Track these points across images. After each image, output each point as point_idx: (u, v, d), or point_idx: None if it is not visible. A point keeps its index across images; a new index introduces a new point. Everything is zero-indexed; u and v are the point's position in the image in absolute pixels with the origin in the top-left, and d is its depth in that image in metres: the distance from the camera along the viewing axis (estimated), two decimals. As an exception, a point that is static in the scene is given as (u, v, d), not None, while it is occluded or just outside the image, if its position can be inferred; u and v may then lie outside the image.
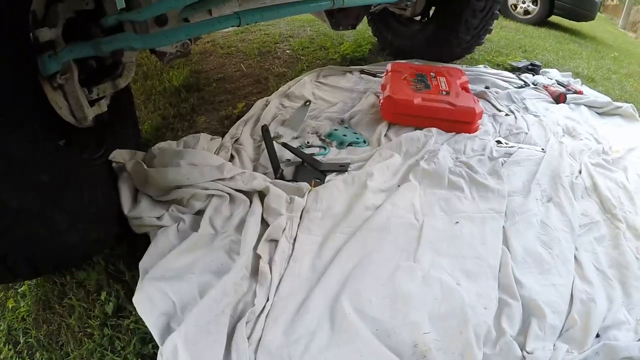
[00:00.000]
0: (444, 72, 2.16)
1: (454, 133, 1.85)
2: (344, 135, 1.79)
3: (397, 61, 2.52)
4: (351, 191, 1.42)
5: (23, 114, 0.97)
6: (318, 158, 1.63)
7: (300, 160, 1.59)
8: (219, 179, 1.36)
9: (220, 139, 1.75)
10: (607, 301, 1.11)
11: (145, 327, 1.00)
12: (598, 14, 6.36)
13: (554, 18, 5.53)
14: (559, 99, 2.33)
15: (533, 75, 2.77)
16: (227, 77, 2.66)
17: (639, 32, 9.35)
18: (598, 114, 2.30)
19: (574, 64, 3.47)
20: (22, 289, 1.26)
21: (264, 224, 1.27)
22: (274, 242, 1.22)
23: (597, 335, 1.02)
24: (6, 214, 0.92)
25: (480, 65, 2.86)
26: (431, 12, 2.72)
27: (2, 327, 1.18)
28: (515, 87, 2.48)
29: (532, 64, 2.93)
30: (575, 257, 1.24)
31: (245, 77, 2.65)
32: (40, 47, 1.08)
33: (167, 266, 1.12)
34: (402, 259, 1.17)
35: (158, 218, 1.27)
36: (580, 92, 2.48)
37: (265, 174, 1.50)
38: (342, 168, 1.57)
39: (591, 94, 2.53)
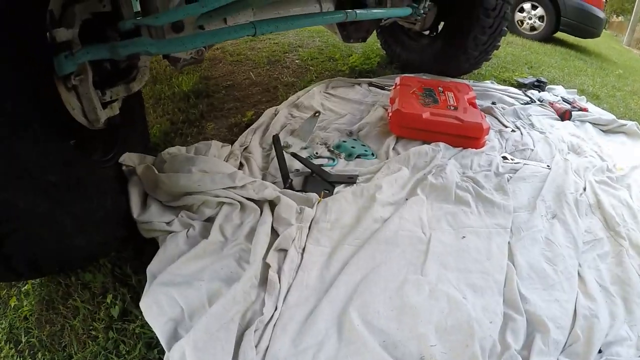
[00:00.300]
0: (452, 87, 2.19)
1: (461, 148, 1.86)
2: (353, 147, 1.81)
3: (406, 75, 2.54)
4: (360, 203, 1.43)
5: (34, 114, 0.96)
6: (327, 169, 1.64)
7: (309, 170, 1.60)
8: (230, 187, 1.37)
9: (230, 146, 1.77)
10: (610, 317, 1.12)
11: (152, 332, 1.00)
12: (603, 30, 6.40)
13: (559, 34, 5.58)
14: (564, 116, 2.36)
15: (539, 91, 2.79)
16: (236, 85, 2.68)
17: (644, 50, 9.40)
18: (603, 131, 2.32)
19: (579, 80, 3.49)
20: (25, 287, 1.25)
21: (274, 233, 1.28)
22: (283, 251, 1.22)
23: (600, 351, 1.02)
24: (14, 215, 0.91)
25: (487, 81, 2.89)
26: (440, 27, 2.75)
27: (3, 325, 1.16)
28: (522, 104, 2.51)
29: (538, 81, 2.96)
30: (578, 273, 1.25)
31: (254, 85, 2.67)
32: (57, 47, 1.07)
33: (175, 272, 1.12)
34: (410, 272, 1.18)
35: (167, 223, 1.27)
36: (585, 110, 2.51)
37: (274, 183, 1.51)
38: (350, 180, 1.58)
39: (596, 112, 2.56)
